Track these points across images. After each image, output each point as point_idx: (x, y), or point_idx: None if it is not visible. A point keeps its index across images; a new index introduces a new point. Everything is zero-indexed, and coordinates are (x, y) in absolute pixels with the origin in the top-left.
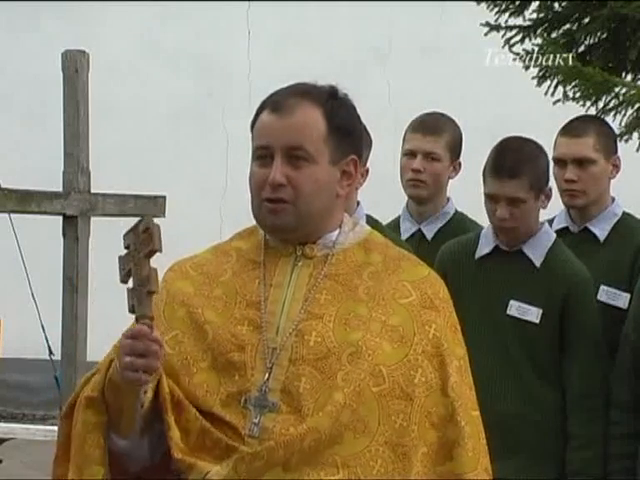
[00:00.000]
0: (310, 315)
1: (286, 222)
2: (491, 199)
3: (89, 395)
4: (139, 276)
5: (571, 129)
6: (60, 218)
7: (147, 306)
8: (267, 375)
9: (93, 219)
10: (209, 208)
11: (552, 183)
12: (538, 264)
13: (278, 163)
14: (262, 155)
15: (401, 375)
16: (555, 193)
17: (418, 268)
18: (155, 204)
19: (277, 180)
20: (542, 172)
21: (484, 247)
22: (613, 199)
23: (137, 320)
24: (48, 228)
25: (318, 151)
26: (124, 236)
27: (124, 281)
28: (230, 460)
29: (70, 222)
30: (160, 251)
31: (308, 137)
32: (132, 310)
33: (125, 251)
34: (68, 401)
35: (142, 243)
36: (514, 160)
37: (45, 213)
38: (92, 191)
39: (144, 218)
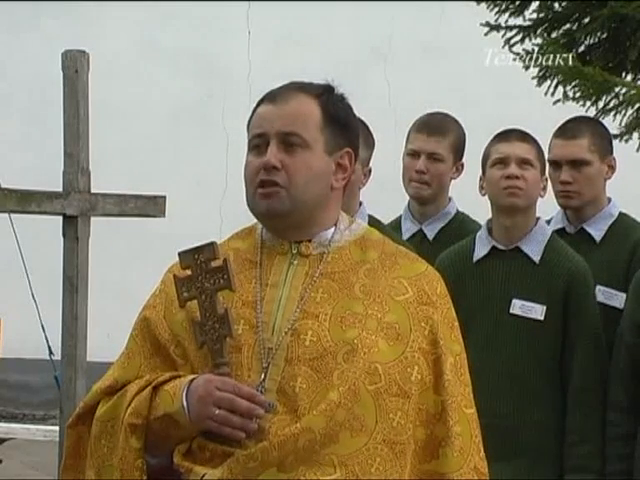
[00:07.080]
0: (306, 314)
1: (279, 206)
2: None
3: (133, 422)
4: (213, 314)
5: (565, 130)
6: (60, 218)
7: (225, 351)
8: (263, 375)
9: (93, 219)
10: (209, 208)
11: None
12: (537, 260)
13: (273, 147)
14: (257, 144)
15: (398, 372)
16: (551, 194)
17: (415, 264)
18: (155, 204)
19: (271, 162)
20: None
21: (481, 249)
22: (609, 200)
23: (215, 366)
24: (48, 228)
25: (313, 138)
26: (182, 254)
27: (182, 306)
28: (225, 462)
29: (70, 222)
30: (233, 291)
31: (303, 123)
32: (201, 346)
33: (184, 273)
34: (76, 411)
35: (210, 273)
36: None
37: (45, 213)
38: (92, 191)
39: (212, 245)
